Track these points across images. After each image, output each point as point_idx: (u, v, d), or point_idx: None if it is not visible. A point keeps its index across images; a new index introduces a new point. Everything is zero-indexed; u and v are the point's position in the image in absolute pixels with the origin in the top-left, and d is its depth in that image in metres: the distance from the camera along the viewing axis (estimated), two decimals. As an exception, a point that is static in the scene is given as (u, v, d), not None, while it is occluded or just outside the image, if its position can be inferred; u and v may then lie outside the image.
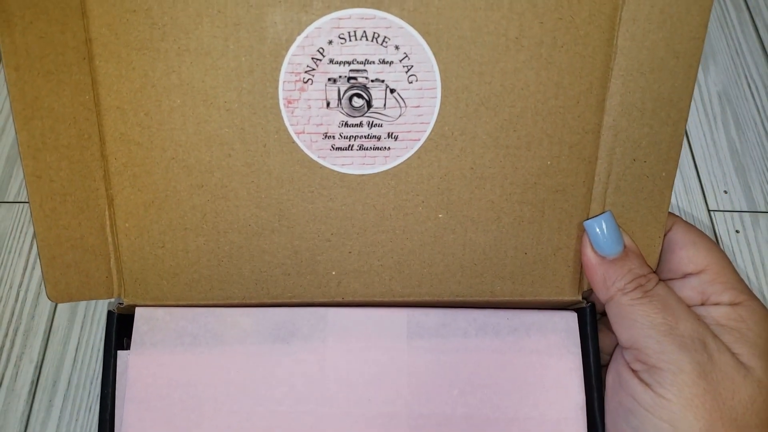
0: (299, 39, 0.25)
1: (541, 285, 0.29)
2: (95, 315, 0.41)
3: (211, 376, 0.27)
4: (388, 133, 0.26)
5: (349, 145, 0.26)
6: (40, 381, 0.39)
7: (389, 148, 0.26)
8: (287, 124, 0.26)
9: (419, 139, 0.26)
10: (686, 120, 0.27)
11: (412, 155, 0.26)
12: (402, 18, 0.24)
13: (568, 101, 0.26)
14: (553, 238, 0.28)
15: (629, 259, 0.27)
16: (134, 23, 0.24)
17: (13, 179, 0.47)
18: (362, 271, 0.28)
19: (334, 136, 0.26)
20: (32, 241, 0.44)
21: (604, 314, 0.30)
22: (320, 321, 0.28)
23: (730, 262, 0.28)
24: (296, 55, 0.25)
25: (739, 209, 0.45)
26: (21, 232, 0.44)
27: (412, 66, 0.25)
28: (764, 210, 0.45)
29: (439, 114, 0.26)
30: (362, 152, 0.26)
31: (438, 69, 0.25)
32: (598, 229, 0.27)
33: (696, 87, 0.50)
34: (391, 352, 0.28)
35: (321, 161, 0.26)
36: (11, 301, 0.42)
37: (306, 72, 0.25)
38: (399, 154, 0.26)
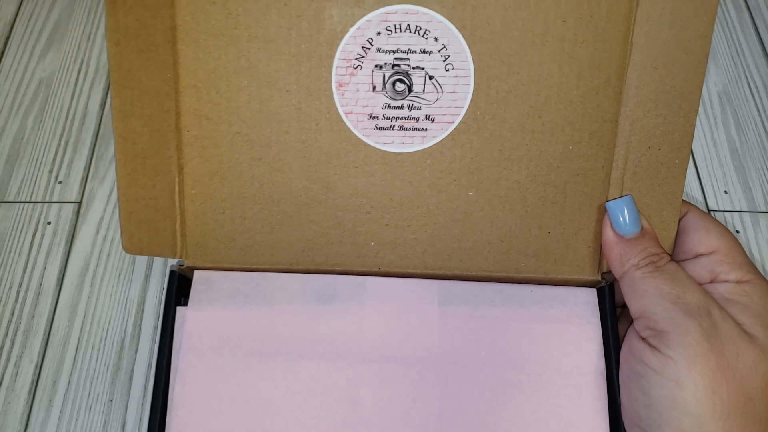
0: (352, 30, 0.28)
1: (563, 263, 0.31)
2: (95, 315, 0.41)
3: (260, 331, 0.30)
4: (426, 116, 0.29)
5: (391, 126, 0.30)
6: (40, 381, 0.39)
7: (426, 129, 0.30)
8: (338, 105, 0.29)
9: (453, 122, 0.29)
10: (697, 111, 0.29)
11: (447, 136, 0.30)
12: (441, 14, 0.28)
13: (588, 92, 0.29)
14: (575, 218, 0.31)
15: (645, 239, 0.29)
16: (213, 13, 0.28)
17: (13, 179, 0.45)
18: (398, 243, 0.31)
19: (378, 117, 0.29)
20: (32, 241, 0.43)
21: (623, 307, 0.32)
22: (359, 287, 0.31)
23: (740, 245, 0.30)
24: (348, 44, 0.29)
25: (739, 209, 0.46)
26: (21, 232, 0.43)
27: (449, 56, 0.29)
28: (764, 210, 0.45)
29: (471, 99, 0.29)
30: (402, 132, 0.30)
31: (472, 59, 0.29)
32: (619, 211, 0.29)
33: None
34: (424, 316, 0.30)
35: (365, 139, 0.30)
36: (11, 301, 0.41)
37: (356, 59, 0.29)
38: (435, 135, 0.30)
